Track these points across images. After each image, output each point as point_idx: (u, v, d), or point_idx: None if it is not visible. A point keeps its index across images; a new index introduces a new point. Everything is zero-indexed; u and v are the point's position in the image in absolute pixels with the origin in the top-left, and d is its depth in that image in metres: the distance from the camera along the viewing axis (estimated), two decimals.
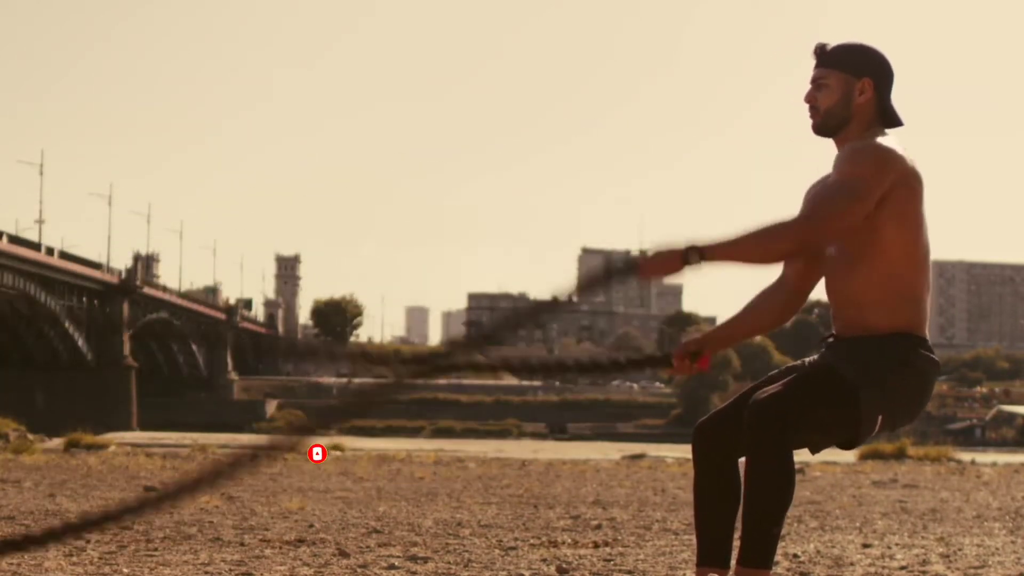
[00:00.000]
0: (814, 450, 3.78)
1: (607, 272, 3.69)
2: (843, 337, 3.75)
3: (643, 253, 3.63)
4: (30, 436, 32.48)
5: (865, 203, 3.61)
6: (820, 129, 3.79)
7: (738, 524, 3.75)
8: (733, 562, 3.73)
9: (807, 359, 3.84)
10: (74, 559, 5.44)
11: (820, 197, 3.67)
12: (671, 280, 3.71)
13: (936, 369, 3.74)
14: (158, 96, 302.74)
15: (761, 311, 3.94)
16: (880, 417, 3.66)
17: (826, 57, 3.79)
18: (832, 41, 3.83)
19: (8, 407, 39.41)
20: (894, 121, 3.79)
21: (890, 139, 3.71)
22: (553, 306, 3.68)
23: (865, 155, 3.65)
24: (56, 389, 76.77)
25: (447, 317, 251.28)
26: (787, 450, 3.60)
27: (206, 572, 5.12)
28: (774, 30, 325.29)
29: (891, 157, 3.65)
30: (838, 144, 3.78)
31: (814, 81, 3.79)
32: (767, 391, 3.66)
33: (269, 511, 8.23)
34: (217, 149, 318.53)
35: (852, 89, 3.75)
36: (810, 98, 3.79)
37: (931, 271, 3.75)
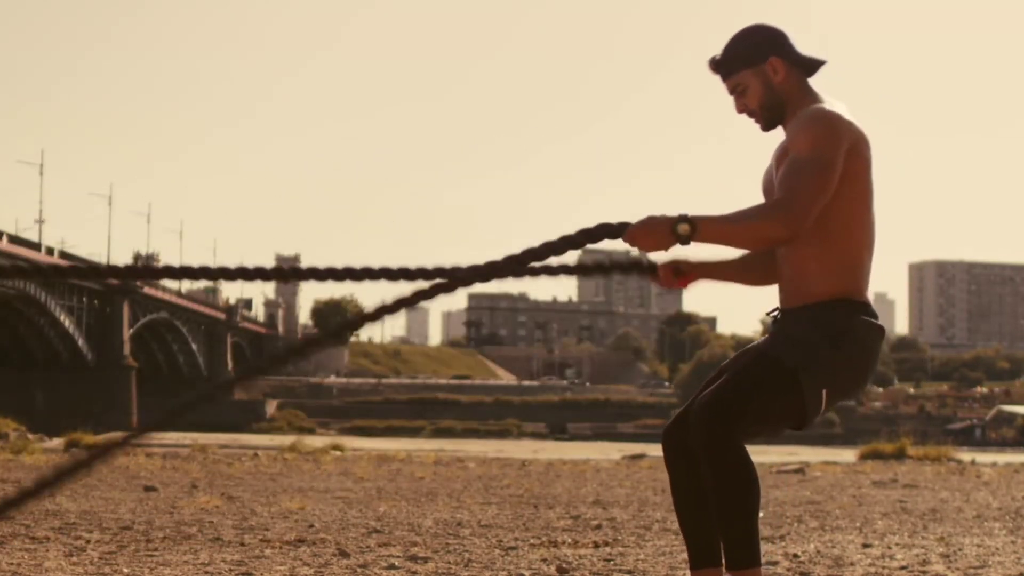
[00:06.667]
0: (769, 437, 3.77)
1: (588, 235, 3.62)
2: (785, 309, 3.72)
3: (627, 224, 3.58)
4: (30, 436, 32.52)
5: (835, 173, 3.55)
6: (768, 125, 3.75)
7: None
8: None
9: (754, 343, 3.82)
10: (74, 559, 5.45)
11: (791, 182, 3.55)
12: (655, 256, 3.66)
13: (879, 334, 3.68)
14: (158, 97, 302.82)
15: (750, 264, 3.89)
16: (824, 392, 3.62)
17: (724, 65, 3.74)
18: (717, 48, 3.76)
19: (8, 407, 39.39)
20: (815, 66, 3.73)
21: (836, 104, 3.66)
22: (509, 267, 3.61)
23: (818, 124, 3.58)
24: (56, 389, 76.77)
25: (447, 317, 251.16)
26: (738, 445, 3.56)
27: (206, 572, 5.12)
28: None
29: (842, 123, 3.59)
30: (786, 127, 3.71)
31: (732, 92, 3.75)
32: (708, 392, 3.64)
33: (269, 511, 8.23)
34: (217, 149, 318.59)
35: (767, 75, 3.70)
36: (741, 108, 3.75)
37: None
